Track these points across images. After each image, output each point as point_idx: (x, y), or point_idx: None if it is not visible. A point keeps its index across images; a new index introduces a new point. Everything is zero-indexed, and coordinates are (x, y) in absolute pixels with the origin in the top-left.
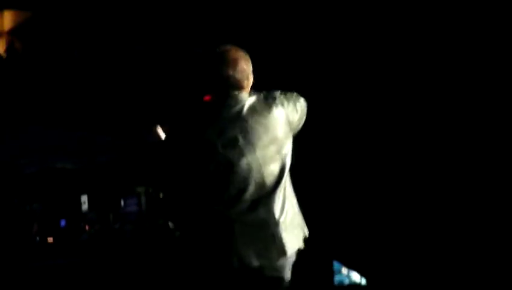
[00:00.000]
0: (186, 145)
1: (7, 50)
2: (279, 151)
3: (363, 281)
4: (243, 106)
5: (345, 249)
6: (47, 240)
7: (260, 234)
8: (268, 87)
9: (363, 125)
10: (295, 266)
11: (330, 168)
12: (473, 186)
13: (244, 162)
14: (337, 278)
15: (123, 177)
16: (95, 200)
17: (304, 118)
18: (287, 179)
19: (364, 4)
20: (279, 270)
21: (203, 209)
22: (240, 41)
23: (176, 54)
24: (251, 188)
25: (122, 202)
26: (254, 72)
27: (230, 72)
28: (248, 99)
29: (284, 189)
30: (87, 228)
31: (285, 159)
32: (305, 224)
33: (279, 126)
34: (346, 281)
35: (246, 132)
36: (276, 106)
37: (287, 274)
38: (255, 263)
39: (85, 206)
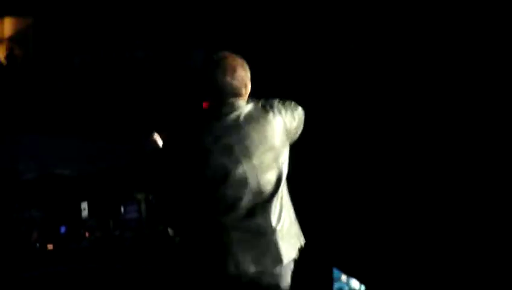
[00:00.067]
0: (183, 152)
1: (7, 57)
2: (276, 160)
3: (363, 288)
4: (240, 114)
5: (345, 256)
6: (47, 247)
7: (257, 242)
8: (266, 94)
9: (362, 134)
10: (294, 273)
11: (329, 175)
12: (474, 191)
13: (240, 169)
14: (336, 285)
15: (123, 184)
16: (95, 207)
17: (302, 127)
18: (284, 188)
19: (363, 8)
20: (276, 277)
21: (200, 216)
22: (237, 48)
23: (175, 61)
24: (247, 196)
25: (122, 209)
26: (252, 79)
27: (228, 80)
28: (245, 107)
29: (281, 198)
30: (87, 234)
31: (282, 167)
32: (301, 233)
33: (277, 134)
34: (346, 288)
35: (243, 140)
36: (274, 114)
37: (284, 282)
38: (252, 269)
39: (85, 213)
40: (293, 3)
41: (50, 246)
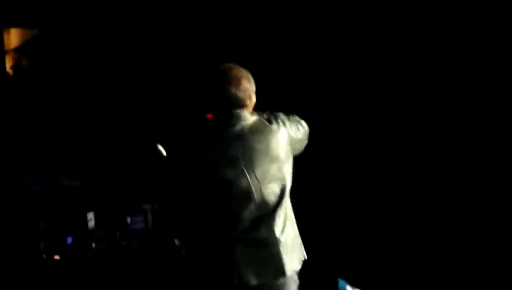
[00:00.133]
0: (187, 163)
1: (14, 67)
2: (279, 171)
3: None
4: (244, 125)
5: (349, 267)
6: (53, 257)
7: (260, 254)
8: (270, 107)
9: (366, 145)
10: (299, 284)
11: (334, 186)
12: (482, 198)
13: (244, 181)
14: None
15: (129, 194)
16: (102, 218)
17: (306, 141)
18: (287, 200)
19: (363, 11)
20: (279, 289)
21: (205, 227)
22: (241, 60)
23: (181, 71)
24: (251, 207)
25: (128, 220)
26: (257, 91)
27: (233, 91)
28: (250, 118)
29: (285, 209)
30: (93, 245)
31: (286, 179)
32: (303, 247)
33: (281, 146)
34: None
35: (247, 151)
36: (278, 126)
37: None
38: (254, 282)
39: (91, 224)
40: (297, 14)
41: (57, 257)
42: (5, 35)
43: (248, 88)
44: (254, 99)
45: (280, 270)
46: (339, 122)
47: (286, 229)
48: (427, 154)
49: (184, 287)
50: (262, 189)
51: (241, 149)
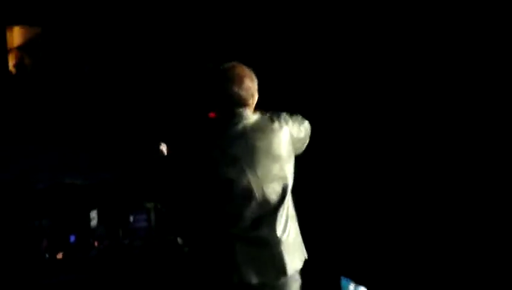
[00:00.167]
0: (189, 162)
1: (17, 66)
2: (281, 170)
3: None
4: (246, 124)
5: (352, 265)
6: (56, 255)
7: (261, 253)
8: (273, 105)
9: (369, 142)
10: (302, 282)
11: (336, 184)
12: (487, 198)
13: (245, 179)
14: None
15: (132, 193)
16: (105, 216)
17: (308, 140)
18: (289, 199)
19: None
20: (279, 288)
21: (206, 226)
22: (244, 59)
23: (184, 70)
24: (252, 206)
25: (131, 218)
26: (260, 90)
27: (235, 89)
28: (252, 117)
29: (287, 209)
30: (96, 243)
31: (287, 178)
32: (304, 246)
33: (283, 145)
34: None
35: (249, 150)
36: (281, 125)
37: None
38: (254, 281)
39: (94, 222)
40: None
41: (59, 255)
42: (8, 34)
43: (250, 87)
44: (256, 98)
45: (281, 270)
46: (341, 120)
47: (288, 229)
48: (429, 151)
49: (186, 286)
50: (264, 188)
51: (243, 148)
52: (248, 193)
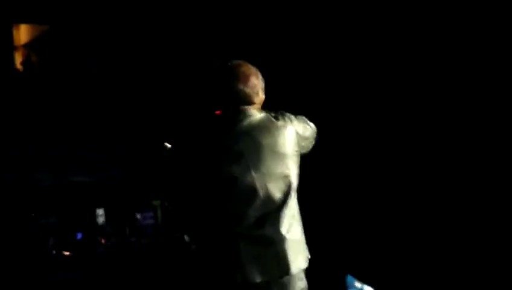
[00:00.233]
0: (193, 159)
1: (23, 63)
2: (286, 169)
3: None
4: (251, 121)
5: (358, 263)
6: (63, 253)
7: (265, 252)
8: (278, 105)
9: (374, 141)
10: (307, 280)
11: (342, 182)
12: (479, 193)
13: (249, 177)
14: None
15: (139, 190)
16: (111, 214)
17: (313, 141)
18: (294, 198)
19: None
20: (283, 287)
21: (211, 224)
22: (249, 58)
23: (190, 68)
24: (256, 205)
25: (138, 216)
26: (265, 89)
27: (241, 87)
28: (257, 115)
29: (292, 207)
30: (103, 241)
31: (292, 176)
32: (307, 246)
33: (288, 143)
34: None
35: (253, 148)
36: (286, 123)
37: None
38: (259, 279)
39: (101, 220)
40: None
41: (66, 253)
42: (15, 32)
43: (256, 85)
44: (262, 96)
45: (285, 268)
46: (348, 118)
47: (292, 228)
48: (433, 150)
49: (193, 284)
50: (268, 186)
51: (248, 145)
52: (252, 191)
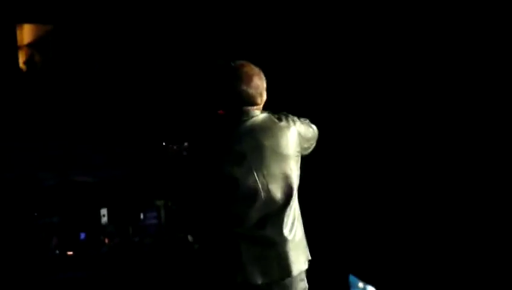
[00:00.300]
0: (196, 159)
1: (27, 63)
2: (288, 170)
3: None
4: (254, 122)
5: (361, 263)
6: (67, 253)
7: (266, 253)
8: (280, 106)
9: (376, 140)
10: (311, 280)
11: (345, 183)
12: (480, 192)
13: (251, 178)
14: None
15: (142, 190)
16: (115, 214)
17: (314, 144)
18: (295, 199)
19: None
20: (284, 288)
21: (212, 224)
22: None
23: (193, 68)
24: (258, 205)
25: (141, 215)
26: (268, 90)
27: (244, 88)
28: (260, 116)
29: (293, 209)
30: (106, 241)
31: (294, 177)
32: (308, 248)
33: (290, 144)
34: None
35: (256, 148)
36: (288, 125)
37: None
38: (259, 281)
39: (104, 220)
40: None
41: (70, 252)
42: (18, 31)
43: (259, 85)
44: (265, 97)
45: (286, 270)
46: (350, 118)
47: (294, 229)
48: (434, 150)
49: (195, 284)
50: (270, 187)
51: (250, 146)
52: (253, 192)
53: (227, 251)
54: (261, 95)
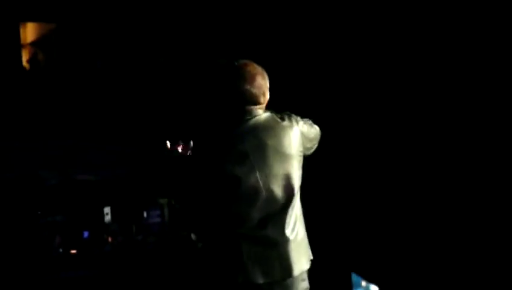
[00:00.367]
0: (198, 158)
1: (30, 61)
2: (290, 169)
3: None
4: (257, 121)
5: (364, 262)
6: (70, 251)
7: (268, 253)
8: (283, 106)
9: (379, 140)
10: (313, 279)
11: (347, 181)
12: (481, 191)
13: (253, 177)
14: None
15: (146, 189)
16: (118, 212)
17: (317, 144)
18: (297, 199)
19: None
20: (286, 288)
21: (213, 223)
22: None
23: (196, 67)
24: (259, 205)
25: (145, 214)
26: (270, 89)
27: (247, 87)
28: (263, 115)
29: (296, 208)
30: (110, 239)
31: (296, 177)
32: (309, 248)
33: (293, 144)
34: None
35: (258, 147)
36: (291, 124)
37: None
38: (260, 281)
39: (108, 218)
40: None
41: (73, 251)
42: (22, 30)
43: (262, 85)
44: (268, 96)
45: (288, 270)
46: (351, 119)
47: (296, 229)
48: (436, 149)
49: (197, 283)
50: (272, 186)
51: (253, 145)
52: (255, 191)
53: (228, 251)
54: (264, 94)
